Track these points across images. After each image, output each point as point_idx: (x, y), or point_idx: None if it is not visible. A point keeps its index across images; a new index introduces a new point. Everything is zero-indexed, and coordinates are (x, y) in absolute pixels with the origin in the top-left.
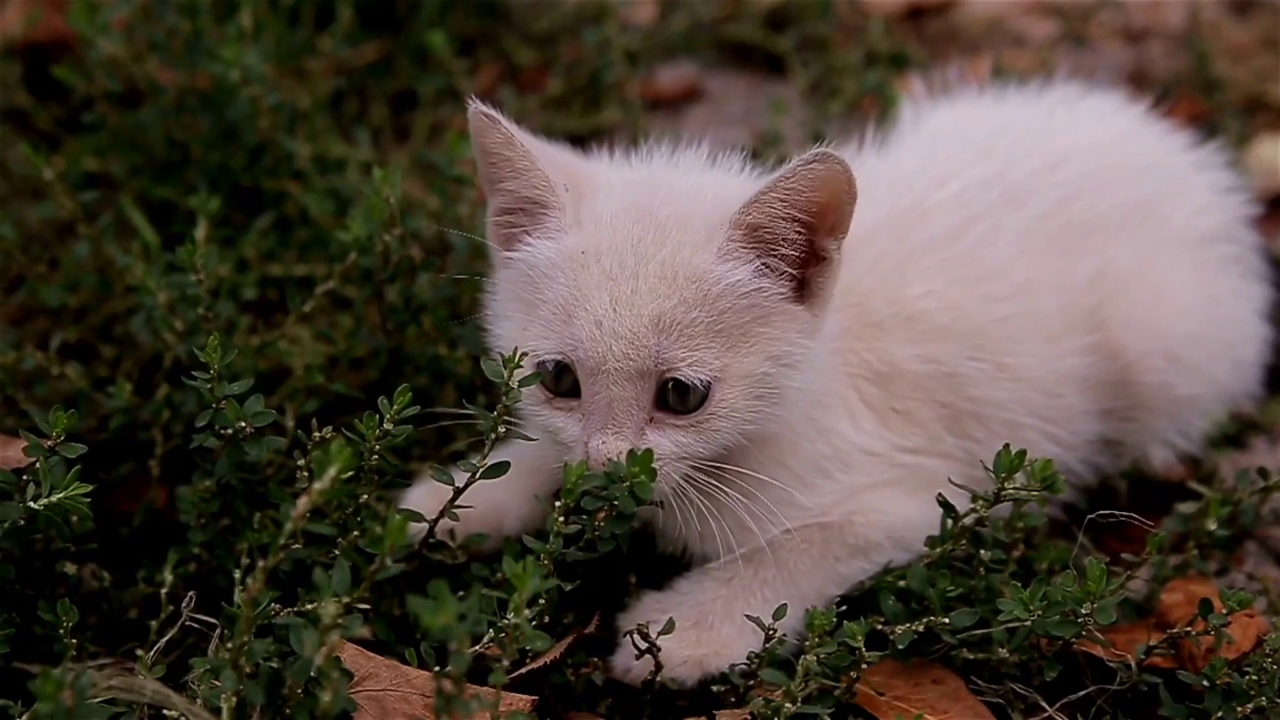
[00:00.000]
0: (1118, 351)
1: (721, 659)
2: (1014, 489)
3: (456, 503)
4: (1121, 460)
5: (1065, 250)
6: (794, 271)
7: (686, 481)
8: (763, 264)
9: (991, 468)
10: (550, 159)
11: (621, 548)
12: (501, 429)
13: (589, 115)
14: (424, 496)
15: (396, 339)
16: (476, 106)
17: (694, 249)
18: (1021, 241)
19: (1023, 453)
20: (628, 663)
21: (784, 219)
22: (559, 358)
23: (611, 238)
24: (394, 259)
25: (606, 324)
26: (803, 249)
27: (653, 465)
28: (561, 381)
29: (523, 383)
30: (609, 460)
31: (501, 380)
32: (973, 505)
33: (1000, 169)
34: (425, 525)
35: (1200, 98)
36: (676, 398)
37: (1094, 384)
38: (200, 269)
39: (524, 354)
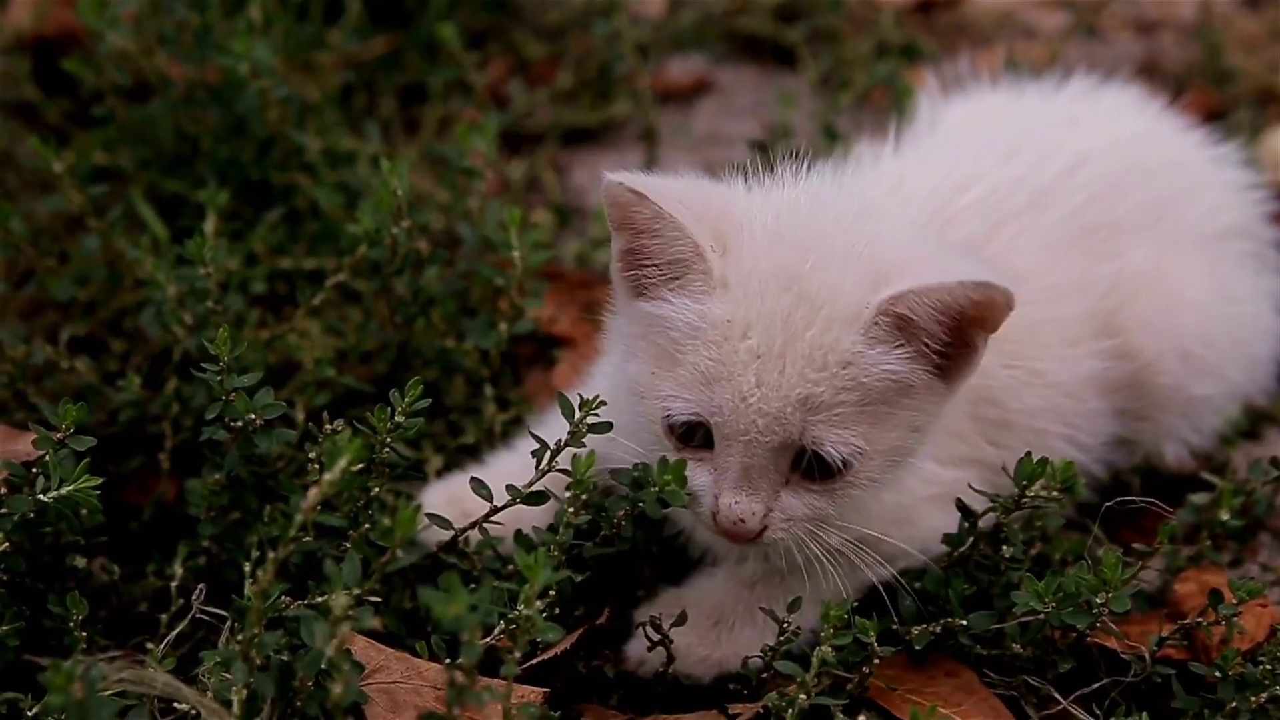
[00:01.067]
0: (1134, 353)
1: (740, 661)
2: (1034, 494)
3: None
4: (1134, 456)
5: (1086, 252)
6: (940, 351)
7: (808, 538)
8: (912, 349)
9: (1013, 474)
10: (696, 213)
11: (638, 545)
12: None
13: (599, 108)
14: (443, 499)
15: (405, 332)
16: (618, 181)
17: (844, 329)
18: (1046, 245)
19: (1045, 460)
20: (641, 654)
21: (934, 319)
22: (693, 419)
23: (760, 308)
24: (402, 251)
25: (751, 401)
26: (950, 339)
27: (783, 524)
28: (693, 434)
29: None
30: (739, 521)
31: (573, 417)
32: (991, 506)
33: (1024, 172)
34: (447, 532)
35: (1212, 89)
36: (815, 467)
37: (1112, 386)
38: (209, 262)
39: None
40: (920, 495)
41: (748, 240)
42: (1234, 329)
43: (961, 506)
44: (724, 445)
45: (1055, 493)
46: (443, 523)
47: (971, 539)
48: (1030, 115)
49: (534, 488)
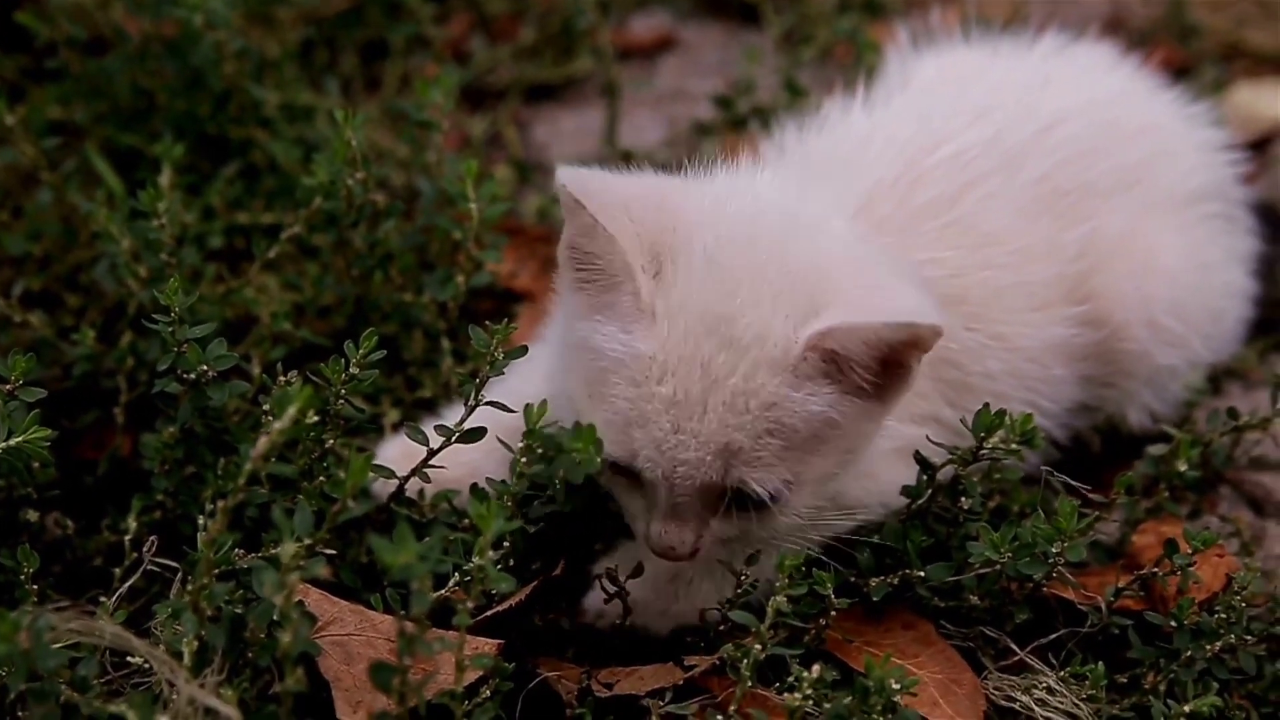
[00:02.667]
0: (1102, 320)
1: (697, 614)
2: (992, 445)
3: (430, 463)
4: (1096, 419)
5: (1057, 216)
6: (870, 380)
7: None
8: (840, 384)
9: (971, 427)
10: (636, 228)
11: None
12: (481, 397)
13: (561, 65)
14: (398, 453)
15: (363, 286)
16: (565, 182)
17: (769, 373)
18: (1016, 208)
19: (1002, 412)
20: (598, 607)
21: (863, 353)
22: (616, 459)
23: (682, 351)
24: (357, 203)
25: (667, 449)
26: (881, 369)
27: (716, 544)
28: (625, 469)
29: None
30: (669, 549)
31: (487, 350)
32: (950, 459)
33: (995, 132)
34: (395, 482)
35: (1177, 45)
36: (742, 500)
37: (1079, 354)
38: (163, 214)
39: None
40: (880, 448)
41: (683, 266)
42: (1204, 297)
43: (920, 459)
44: (649, 483)
45: (1014, 445)
46: (387, 472)
47: (930, 491)
48: (1003, 73)
49: (471, 427)
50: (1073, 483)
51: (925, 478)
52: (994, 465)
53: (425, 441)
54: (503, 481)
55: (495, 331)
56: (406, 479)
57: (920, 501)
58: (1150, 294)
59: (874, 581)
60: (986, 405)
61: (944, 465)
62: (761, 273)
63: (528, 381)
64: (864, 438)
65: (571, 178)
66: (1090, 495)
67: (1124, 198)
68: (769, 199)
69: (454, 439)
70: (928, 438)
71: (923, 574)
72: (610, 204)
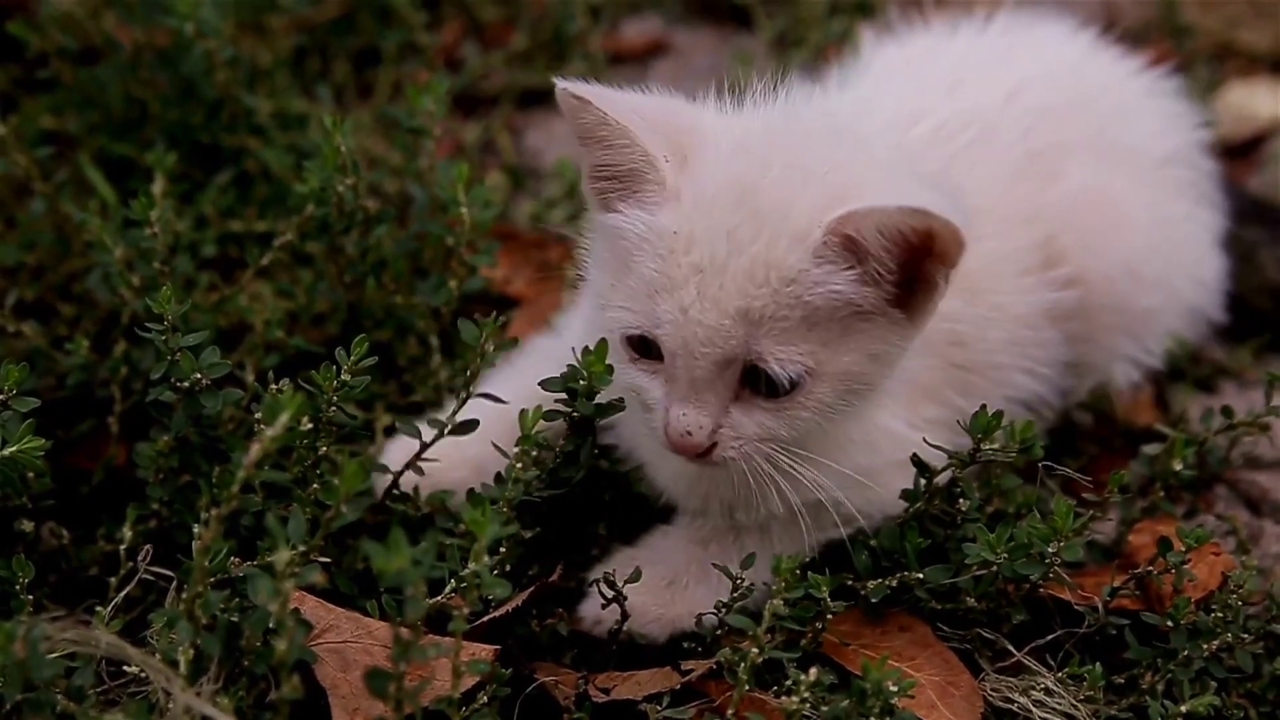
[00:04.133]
0: (1080, 275)
1: (694, 619)
2: (991, 448)
3: (423, 456)
4: (1085, 380)
5: (1032, 180)
6: (895, 279)
7: (761, 460)
8: (861, 272)
9: (968, 429)
10: (652, 124)
11: (589, 491)
12: (473, 389)
13: (554, 70)
14: (402, 454)
15: (356, 293)
16: (565, 87)
17: (789, 246)
18: (996, 177)
19: (999, 414)
20: (596, 613)
21: (881, 246)
22: (639, 332)
23: (707, 222)
24: (348, 209)
25: (692, 314)
26: (904, 268)
27: (733, 441)
28: (648, 348)
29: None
30: (686, 433)
31: (476, 342)
32: (950, 464)
33: (969, 104)
34: (389, 476)
35: (1170, 44)
36: (762, 383)
37: (1064, 315)
38: (155, 223)
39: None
40: (889, 459)
41: (711, 152)
42: (1175, 246)
43: (918, 462)
44: (670, 358)
45: (1014, 453)
46: (380, 467)
47: (927, 495)
48: (965, 50)
49: (464, 420)
50: (1072, 473)
51: (924, 481)
52: (990, 468)
53: (417, 434)
54: (499, 484)
55: (485, 325)
56: (400, 473)
57: (918, 505)
58: (1123, 244)
59: (872, 584)
60: (983, 408)
61: (944, 470)
62: (794, 157)
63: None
64: (891, 350)
65: (568, 83)
66: (1086, 490)
67: (1092, 156)
68: (798, 108)
69: (446, 431)
70: (925, 440)
71: (920, 576)
72: (617, 103)
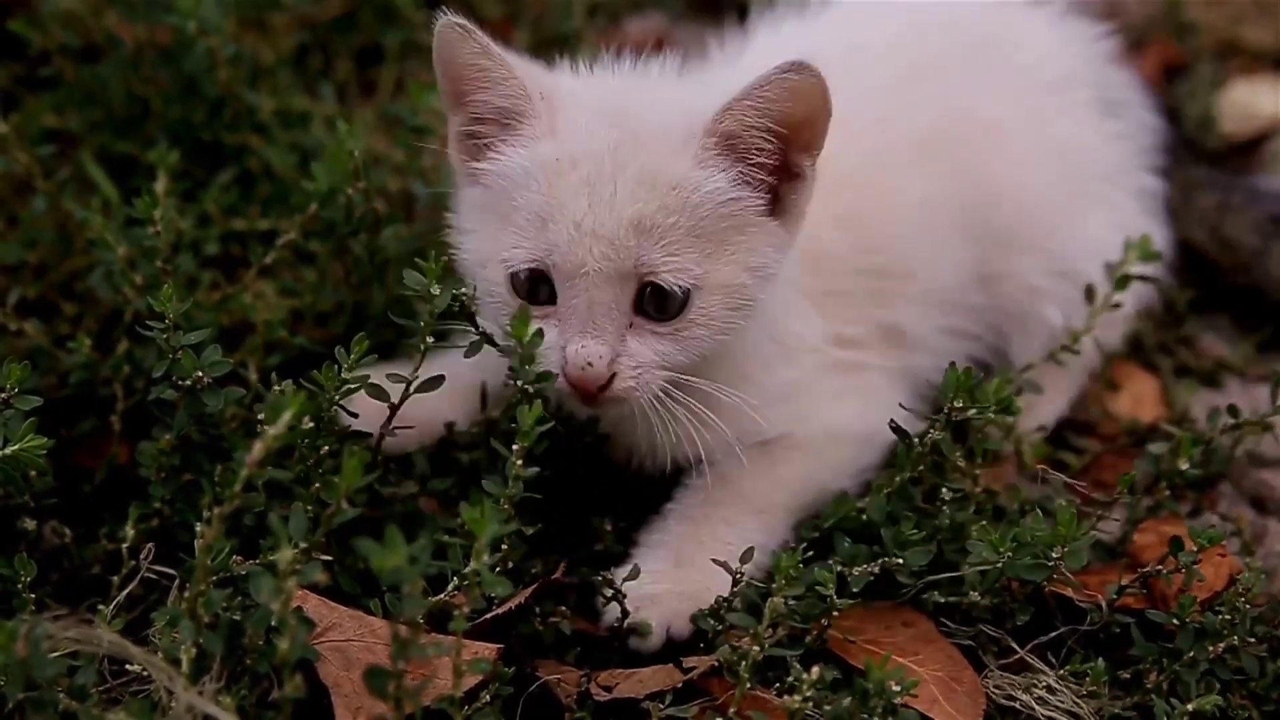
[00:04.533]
0: (978, 187)
1: (710, 593)
2: (963, 406)
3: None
4: (1028, 328)
5: (909, 91)
6: (769, 183)
7: (661, 393)
8: (739, 173)
9: (938, 386)
10: (523, 68)
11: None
12: (430, 340)
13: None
14: (372, 412)
15: (361, 293)
16: (449, 19)
17: (672, 155)
18: (871, 85)
19: (969, 370)
20: (614, 618)
21: (758, 129)
22: (534, 265)
23: (588, 144)
24: (358, 212)
25: (585, 225)
26: (776, 162)
27: (632, 371)
28: (537, 291)
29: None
30: (586, 365)
31: (423, 289)
32: (930, 427)
33: (846, 37)
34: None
35: (1173, 43)
36: (655, 304)
37: (962, 214)
38: (158, 221)
39: (484, 263)
40: (814, 371)
41: (573, 95)
42: (1075, 165)
43: (896, 428)
44: (565, 288)
45: (992, 411)
46: (379, 393)
47: (911, 445)
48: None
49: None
50: (1069, 480)
51: (904, 446)
52: (977, 440)
53: (386, 397)
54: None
55: (428, 269)
56: (381, 439)
57: (904, 474)
58: (1003, 162)
59: (856, 570)
60: (953, 365)
61: (925, 433)
62: (649, 93)
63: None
64: (769, 262)
65: (453, 15)
66: (1088, 495)
67: (970, 74)
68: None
69: (412, 389)
70: (901, 405)
71: (901, 560)
72: (494, 47)
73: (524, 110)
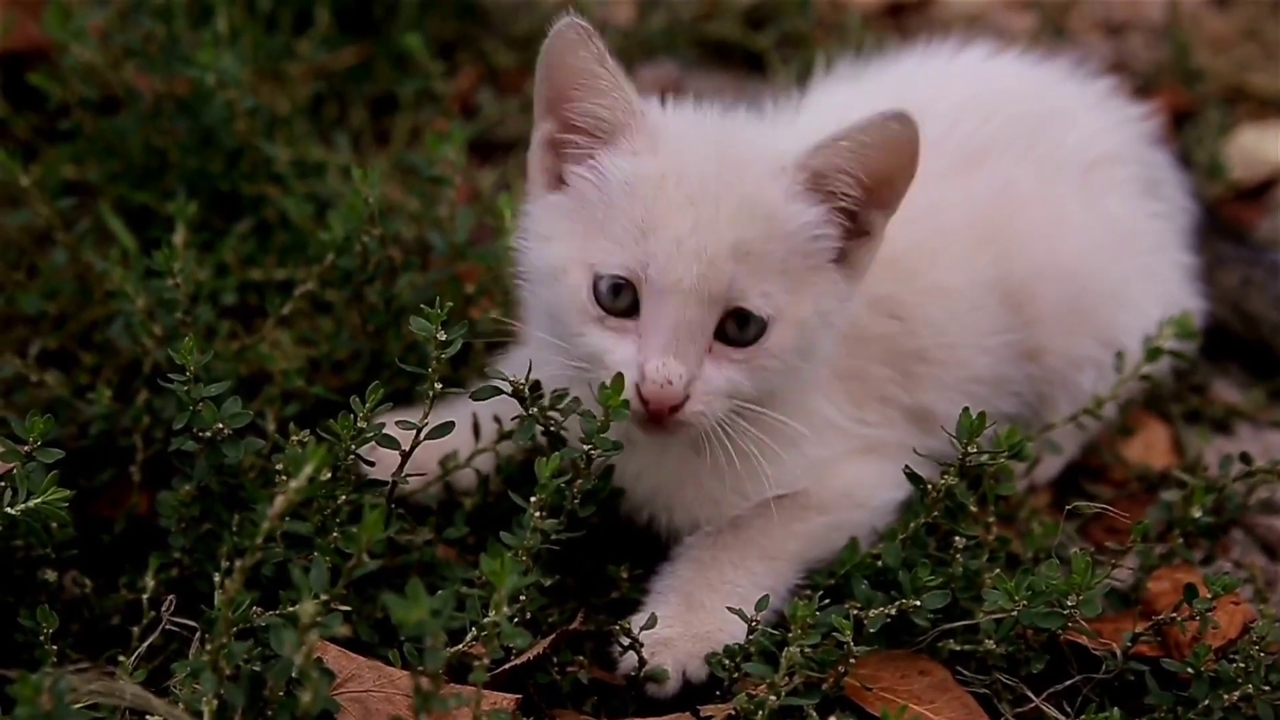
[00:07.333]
0: (1017, 268)
1: (723, 634)
2: (976, 451)
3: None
4: (1059, 394)
5: (962, 174)
6: (845, 228)
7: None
8: (825, 211)
9: (953, 433)
10: (629, 84)
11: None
12: (439, 386)
13: None
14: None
15: (378, 341)
16: (572, 19)
17: (770, 185)
18: (926, 169)
19: (983, 415)
20: (631, 665)
21: (847, 172)
22: (626, 274)
23: (695, 164)
24: (373, 260)
25: (687, 244)
26: (855, 209)
27: (704, 395)
28: (618, 299)
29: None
30: (666, 383)
31: (429, 336)
32: (944, 473)
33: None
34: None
35: (1181, 89)
36: (736, 328)
37: (1009, 298)
38: (178, 273)
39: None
40: (839, 449)
41: (670, 117)
42: (1120, 241)
43: (910, 475)
44: (652, 303)
45: (1004, 457)
46: (390, 442)
47: (924, 498)
48: (909, 70)
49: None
50: (1097, 506)
51: (919, 492)
52: (989, 485)
53: (396, 445)
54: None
55: (431, 315)
56: (394, 486)
57: (919, 520)
58: (1050, 238)
59: (872, 613)
60: (967, 410)
61: (941, 481)
62: (740, 130)
63: None
64: (834, 308)
65: (576, 16)
66: (1105, 539)
67: (1026, 155)
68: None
69: (423, 435)
70: (915, 450)
71: (919, 603)
72: (609, 57)
73: (624, 124)
